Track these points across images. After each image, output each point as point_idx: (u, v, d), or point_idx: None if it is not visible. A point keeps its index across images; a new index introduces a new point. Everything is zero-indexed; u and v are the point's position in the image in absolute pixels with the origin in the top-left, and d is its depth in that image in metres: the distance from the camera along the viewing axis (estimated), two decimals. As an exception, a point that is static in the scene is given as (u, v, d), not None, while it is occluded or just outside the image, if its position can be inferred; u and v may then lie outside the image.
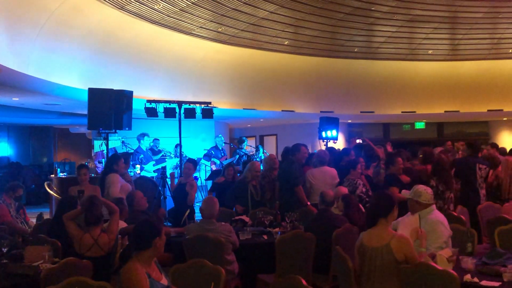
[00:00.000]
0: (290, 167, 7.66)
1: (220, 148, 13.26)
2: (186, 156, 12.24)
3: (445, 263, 4.16)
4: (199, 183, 12.89)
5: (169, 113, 11.07)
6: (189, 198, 7.62)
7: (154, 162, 11.52)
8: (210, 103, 11.88)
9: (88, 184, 7.31)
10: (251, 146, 14.60)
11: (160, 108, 11.09)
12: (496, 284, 3.78)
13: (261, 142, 19.19)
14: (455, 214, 6.41)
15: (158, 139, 12.52)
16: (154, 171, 11.30)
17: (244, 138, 13.87)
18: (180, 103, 11.24)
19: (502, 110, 16.03)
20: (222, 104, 13.59)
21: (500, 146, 11.55)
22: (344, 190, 6.68)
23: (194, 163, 8.25)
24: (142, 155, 11.54)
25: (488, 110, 16.13)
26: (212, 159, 12.85)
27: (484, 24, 12.97)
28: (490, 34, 13.84)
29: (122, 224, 5.56)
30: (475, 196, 7.75)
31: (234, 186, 8.03)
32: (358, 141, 10.51)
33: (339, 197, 6.29)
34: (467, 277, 3.91)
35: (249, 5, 10.79)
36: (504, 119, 17.83)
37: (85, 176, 7.33)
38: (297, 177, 7.56)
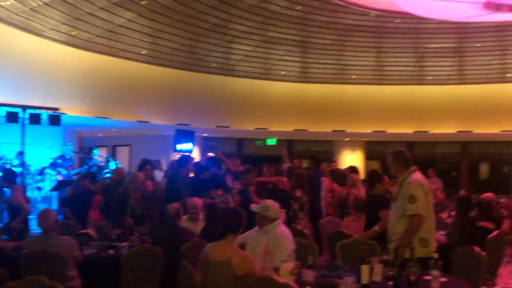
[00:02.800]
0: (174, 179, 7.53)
1: (68, 158, 12.53)
2: (29, 165, 11.45)
3: (288, 276, 4.32)
4: (43, 193, 12.08)
5: (11, 117, 10.29)
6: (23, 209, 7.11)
7: None
8: (58, 109, 11.24)
9: None
10: (102, 156, 14.03)
11: (2, 111, 10.25)
12: (332, 295, 4.01)
13: (113, 152, 18.52)
14: (299, 227, 6.72)
15: None
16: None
17: (94, 147, 13.26)
18: (24, 108, 10.50)
19: (344, 131, 17.27)
20: (72, 111, 12.90)
21: (341, 164, 12.45)
22: (198, 200, 6.63)
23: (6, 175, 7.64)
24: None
25: (333, 130, 17.25)
26: (57, 169, 12.10)
27: (331, 51, 13.94)
28: (337, 60, 14.93)
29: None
30: (319, 210, 8.22)
31: (111, 198, 7.56)
32: (210, 154, 10.66)
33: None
34: (307, 289, 4.10)
35: (106, 10, 10.46)
36: (346, 139, 19.19)
37: None
38: (182, 190, 7.42)
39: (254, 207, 5.10)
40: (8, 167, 8.93)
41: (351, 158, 18.67)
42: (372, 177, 6.01)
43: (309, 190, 7.63)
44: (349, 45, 13.49)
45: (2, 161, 11.06)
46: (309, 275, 4.43)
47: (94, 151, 12.73)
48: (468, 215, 6.64)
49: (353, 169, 9.70)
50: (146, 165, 8.03)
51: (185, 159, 8.07)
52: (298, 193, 7.37)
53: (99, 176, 10.04)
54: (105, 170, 12.14)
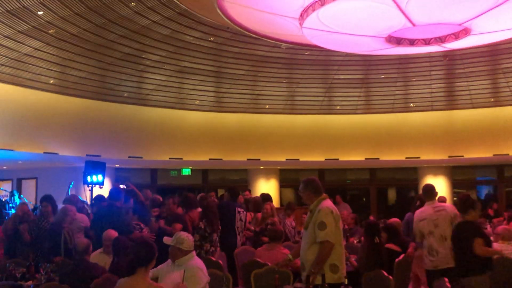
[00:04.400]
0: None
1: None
2: None
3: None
4: None
5: None
6: None
7: None
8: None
9: None
10: (5, 190, 13.29)
11: None
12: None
13: (18, 185, 17.58)
14: (213, 258, 6.69)
15: None
16: None
17: None
18: None
19: (259, 159, 17.51)
20: (-28, 143, 12.19)
21: (256, 192, 12.59)
22: (114, 233, 6.41)
23: None
24: None
25: (248, 159, 17.44)
26: None
27: (245, 81, 14.17)
28: (250, 90, 15.18)
29: None
30: (233, 239, 8.22)
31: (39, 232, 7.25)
32: (122, 186, 10.42)
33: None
34: (221, 321, 4.08)
35: (11, 39, 10.04)
36: (261, 167, 19.45)
37: None
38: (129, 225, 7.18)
39: (167, 240, 5.03)
40: None
41: (266, 186, 18.92)
42: (466, 203, 5.98)
43: (216, 221, 7.62)
44: (262, 75, 13.78)
45: None
46: (223, 307, 4.42)
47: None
48: (374, 240, 6.91)
49: (266, 197, 9.86)
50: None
51: (118, 191, 7.90)
52: (201, 224, 7.37)
53: (3, 211, 9.46)
54: (10, 205, 11.50)
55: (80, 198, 10.92)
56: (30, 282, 5.84)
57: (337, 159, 17.66)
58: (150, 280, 4.21)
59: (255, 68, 13.22)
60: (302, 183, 5.35)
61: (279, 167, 19.66)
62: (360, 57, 12.24)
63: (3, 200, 11.89)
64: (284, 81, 14.53)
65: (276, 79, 14.10)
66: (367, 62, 12.99)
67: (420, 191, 7.35)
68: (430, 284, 6.22)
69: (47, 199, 7.72)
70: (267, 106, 16.60)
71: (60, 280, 5.41)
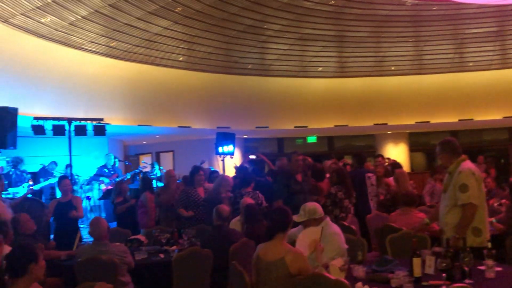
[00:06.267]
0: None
1: (110, 167, 12.81)
2: (77, 176, 11.75)
3: (338, 272, 4.28)
4: (92, 202, 12.39)
5: (58, 130, 10.55)
6: (78, 214, 7.32)
7: (30, 184, 10.79)
8: (102, 119, 11.50)
9: None
10: (146, 162, 14.30)
11: (48, 125, 10.54)
12: (385, 289, 3.95)
13: (157, 158, 18.83)
14: (346, 224, 6.66)
15: (56, 164, 11.85)
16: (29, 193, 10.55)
17: (111, 154, 13.44)
18: (70, 120, 10.75)
19: (386, 124, 17.03)
20: (115, 121, 13.19)
21: (385, 157, 12.25)
22: (250, 200, 6.62)
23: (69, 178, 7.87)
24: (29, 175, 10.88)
25: (374, 124, 17.05)
26: (100, 179, 12.40)
27: (368, 43, 13.78)
28: (374, 52, 14.73)
29: (7, 249, 5.17)
30: (366, 206, 8.11)
31: (202, 202, 7.50)
32: (251, 156, 10.71)
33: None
34: (358, 285, 4.05)
35: (142, 20, 10.64)
36: (389, 132, 18.93)
37: None
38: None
39: (298, 218, 5.02)
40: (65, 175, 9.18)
41: (394, 151, 18.41)
42: None
43: (349, 188, 7.52)
44: (386, 36, 13.29)
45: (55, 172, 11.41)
46: (359, 271, 4.38)
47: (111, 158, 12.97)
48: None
49: (396, 164, 9.60)
50: (200, 171, 7.94)
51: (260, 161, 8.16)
52: (332, 189, 7.30)
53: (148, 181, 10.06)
54: (152, 176, 12.36)
55: (211, 168, 11.44)
56: (174, 247, 6.22)
57: (472, 119, 16.62)
58: (288, 244, 4.29)
59: (379, 29, 12.78)
60: (438, 145, 5.11)
61: (408, 131, 19.00)
62: (494, 8, 11.31)
63: (144, 171, 12.80)
64: (411, 40, 13.88)
65: (402, 38, 13.51)
66: (503, 13, 11.97)
67: None
68: None
69: (201, 168, 8.13)
70: (392, 68, 16.00)
71: (202, 245, 5.72)
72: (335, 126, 17.03)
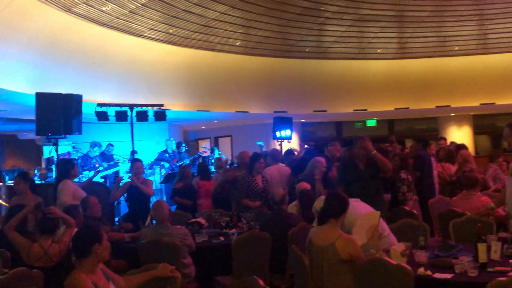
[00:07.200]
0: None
1: (171, 152, 13.10)
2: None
3: (399, 257, 4.22)
4: (153, 186, 12.70)
5: (121, 116, 10.87)
6: (149, 192, 7.53)
7: (101, 168, 11.22)
8: (162, 105, 11.74)
9: (29, 194, 6.67)
10: (205, 148, 14.53)
11: (111, 111, 10.88)
12: (449, 276, 3.86)
13: (215, 143, 19.09)
14: (407, 208, 6.53)
15: (112, 145, 12.27)
16: (101, 177, 10.97)
17: (182, 141, 13.81)
18: (131, 106, 11.05)
19: (449, 106, 16.52)
20: (175, 106, 13.45)
21: (449, 140, 11.90)
22: (306, 185, 6.61)
23: (142, 162, 8.06)
24: (94, 160, 11.30)
25: (437, 106, 16.58)
26: (161, 163, 12.70)
27: (430, 23, 13.32)
28: (436, 32, 14.23)
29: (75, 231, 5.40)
30: (431, 190, 7.92)
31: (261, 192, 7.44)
32: (305, 146, 10.88)
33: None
34: (421, 270, 3.98)
35: (200, 6, 10.72)
36: (452, 114, 18.36)
37: (20, 186, 6.70)
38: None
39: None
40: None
41: (458, 134, 17.86)
42: None
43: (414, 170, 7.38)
44: (449, 14, 12.80)
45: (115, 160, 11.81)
46: (422, 256, 4.30)
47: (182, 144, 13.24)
48: None
49: (460, 146, 9.31)
50: (260, 159, 7.89)
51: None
52: (402, 174, 7.15)
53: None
54: (211, 160, 12.55)
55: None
56: (233, 230, 6.31)
57: (542, 99, 15.87)
58: (339, 230, 4.25)
59: (441, 8, 12.32)
60: (506, 126, 4.91)
61: (472, 113, 18.36)
62: None
63: (203, 156, 13.02)
64: (475, 18, 13.30)
65: (466, 17, 12.97)
66: None
67: None
68: None
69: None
70: (456, 48, 15.42)
71: (261, 228, 5.77)
72: (396, 109, 16.66)
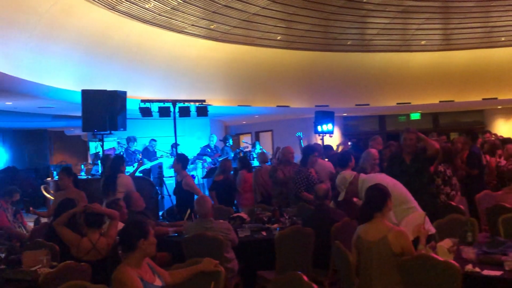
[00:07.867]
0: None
1: (213, 147, 13.23)
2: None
3: (446, 254, 4.14)
4: (196, 181, 12.86)
5: (164, 112, 11.03)
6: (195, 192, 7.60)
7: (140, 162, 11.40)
8: (204, 101, 11.85)
9: (72, 189, 6.94)
10: (247, 142, 14.59)
11: (155, 107, 11.04)
12: (498, 273, 3.76)
13: (257, 138, 19.13)
14: (454, 204, 6.39)
15: (155, 140, 12.46)
16: (141, 172, 11.13)
17: (228, 136, 13.90)
18: (174, 102, 11.19)
19: (496, 98, 16.04)
20: (216, 102, 13.55)
21: (493, 133, 11.58)
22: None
23: (181, 159, 8.11)
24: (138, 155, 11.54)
25: (483, 99, 16.13)
26: (203, 158, 12.84)
27: (476, 13, 12.94)
28: (483, 22, 13.82)
29: (121, 226, 5.51)
30: (480, 184, 7.72)
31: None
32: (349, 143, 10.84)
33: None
34: (469, 267, 3.89)
35: (240, 1, 10.73)
36: (499, 107, 17.84)
37: (64, 181, 7.01)
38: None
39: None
40: (181, 153, 9.60)
41: (505, 127, 17.36)
42: None
43: (456, 165, 7.19)
44: (496, 4, 12.40)
45: (158, 155, 11.99)
46: (469, 253, 4.20)
47: (228, 139, 13.30)
48: None
49: (506, 140, 9.08)
50: (315, 152, 7.94)
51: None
52: (440, 167, 6.99)
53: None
54: (252, 155, 12.61)
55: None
56: (276, 225, 6.32)
57: None
58: (389, 223, 4.18)
59: (488, -3, 11.96)
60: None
61: (520, 105, 17.79)
62: None
63: (246, 150, 13.09)
64: (524, 7, 12.86)
65: (514, 6, 12.56)
66: None
67: None
68: None
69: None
70: (503, 39, 14.93)
71: (303, 224, 5.75)
72: (440, 101, 16.30)
